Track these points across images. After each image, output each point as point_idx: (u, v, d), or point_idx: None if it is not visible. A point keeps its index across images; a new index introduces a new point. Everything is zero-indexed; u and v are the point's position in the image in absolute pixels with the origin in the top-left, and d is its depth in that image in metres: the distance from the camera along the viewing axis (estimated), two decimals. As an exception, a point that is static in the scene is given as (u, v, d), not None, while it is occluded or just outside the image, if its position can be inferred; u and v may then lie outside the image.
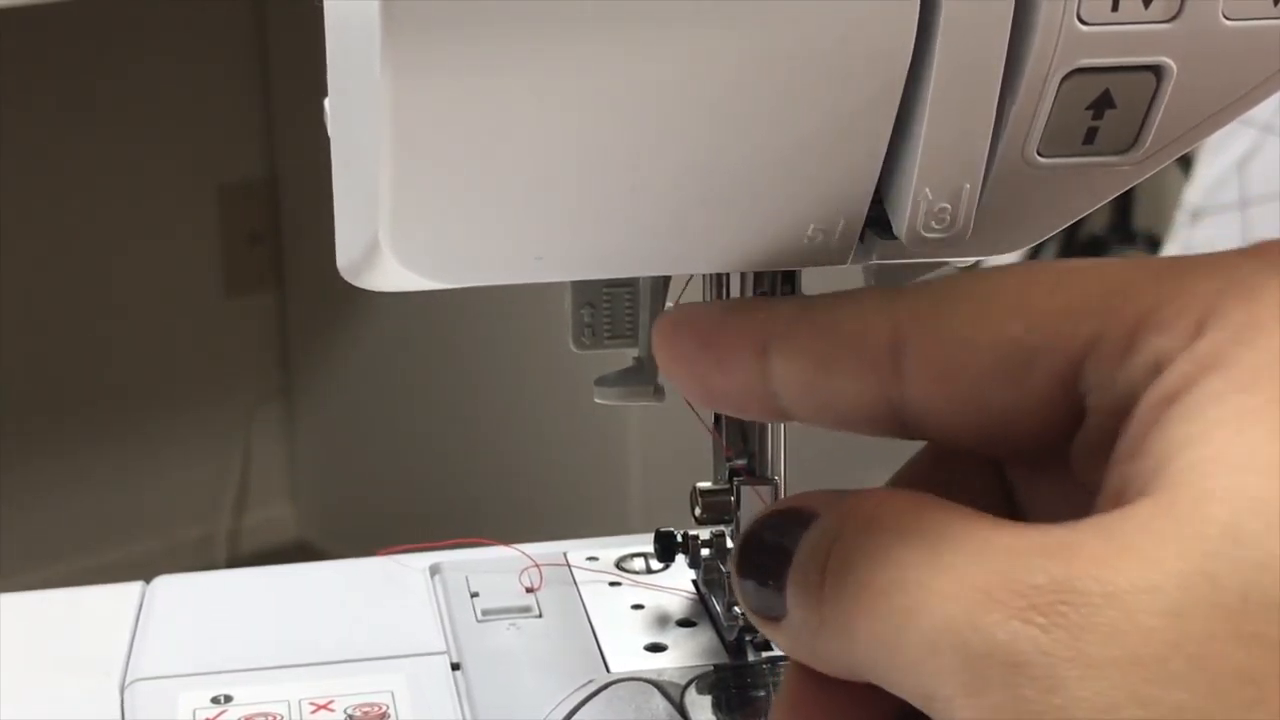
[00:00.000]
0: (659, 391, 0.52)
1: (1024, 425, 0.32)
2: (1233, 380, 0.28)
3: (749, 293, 0.50)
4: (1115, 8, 0.35)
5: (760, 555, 0.33)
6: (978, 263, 0.51)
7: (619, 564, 0.60)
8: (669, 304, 0.51)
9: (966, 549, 0.28)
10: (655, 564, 0.59)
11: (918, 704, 0.28)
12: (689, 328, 0.36)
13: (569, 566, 0.60)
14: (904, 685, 0.28)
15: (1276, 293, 0.29)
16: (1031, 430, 0.32)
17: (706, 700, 0.52)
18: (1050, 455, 0.32)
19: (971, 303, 0.32)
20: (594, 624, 0.56)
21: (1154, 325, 0.29)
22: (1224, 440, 0.27)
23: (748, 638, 0.53)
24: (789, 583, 0.31)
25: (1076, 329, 0.31)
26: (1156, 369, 0.29)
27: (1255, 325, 0.28)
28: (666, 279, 0.50)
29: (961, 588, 0.27)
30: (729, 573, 0.53)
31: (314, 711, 0.52)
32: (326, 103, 0.42)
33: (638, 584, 0.58)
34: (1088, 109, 0.36)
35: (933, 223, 0.37)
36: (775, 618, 0.32)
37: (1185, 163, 1.74)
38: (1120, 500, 0.28)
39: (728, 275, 0.50)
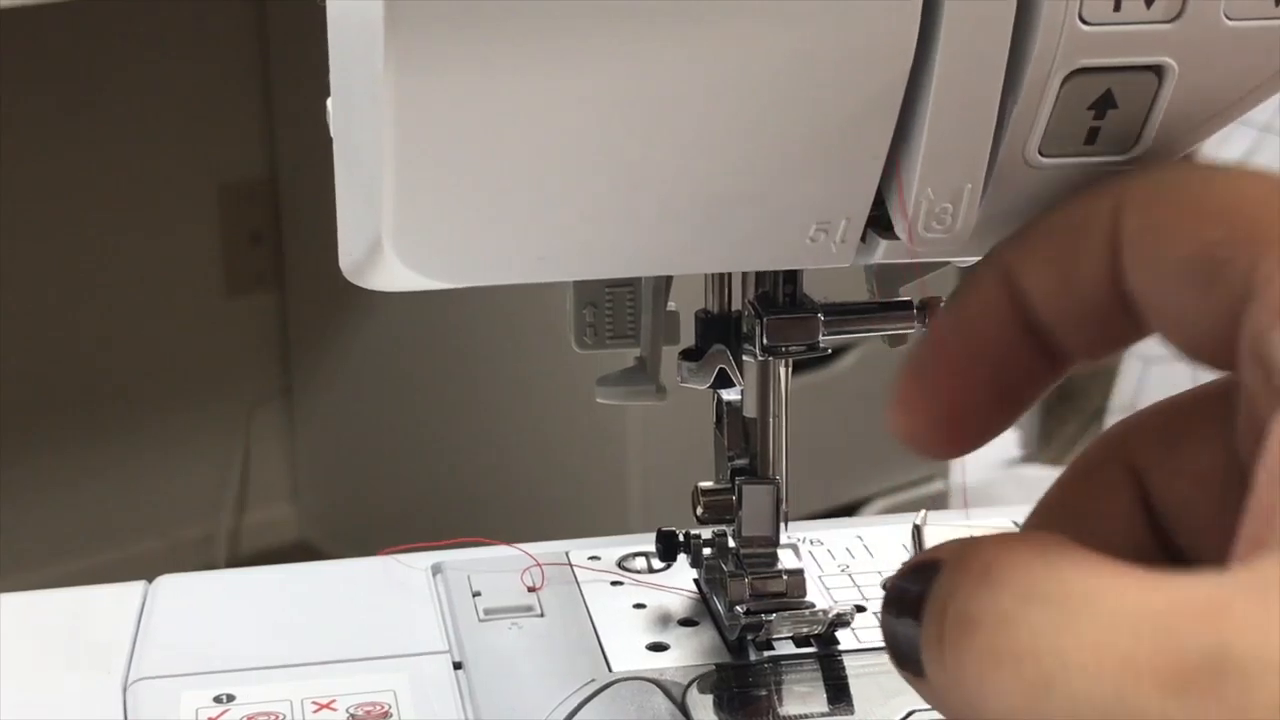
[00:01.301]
0: (660, 391, 0.52)
1: (1214, 339, 0.30)
2: None
3: (750, 293, 0.50)
4: (1117, 8, 0.35)
5: (899, 607, 0.31)
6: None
7: (621, 563, 0.60)
8: (670, 304, 0.51)
9: (1105, 612, 0.26)
10: (657, 563, 0.59)
11: None
12: (933, 339, 0.35)
13: (571, 566, 0.60)
14: None
15: None
16: (1224, 343, 0.30)
17: (708, 699, 0.52)
18: (1199, 449, 0.32)
19: (1187, 184, 0.31)
20: (596, 623, 0.56)
21: None
22: None
23: (749, 637, 0.54)
24: (920, 637, 0.30)
25: (1253, 263, 0.29)
26: None
27: None
28: (668, 279, 0.51)
29: (1104, 660, 0.26)
30: (727, 574, 0.53)
31: (316, 711, 0.52)
32: (328, 102, 0.42)
33: (639, 583, 0.58)
34: (1089, 109, 0.36)
35: (934, 223, 0.37)
36: (917, 672, 0.30)
37: (1185, 162, 1.73)
38: (1267, 527, 0.27)
39: (729, 275, 0.50)
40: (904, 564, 0.32)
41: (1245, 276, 0.29)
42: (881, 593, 0.57)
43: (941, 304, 0.49)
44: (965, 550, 0.30)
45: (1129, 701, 0.25)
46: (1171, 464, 0.33)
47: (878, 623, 0.56)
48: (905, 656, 0.31)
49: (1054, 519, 0.34)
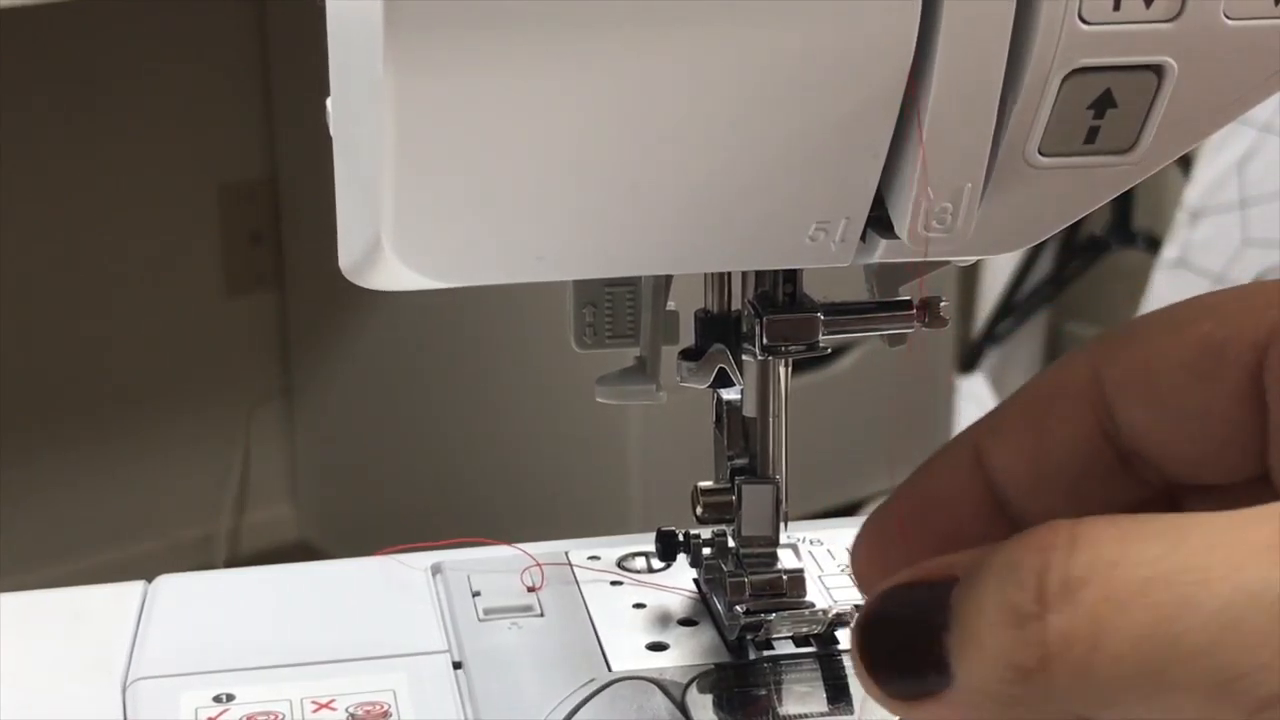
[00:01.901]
0: (660, 390, 0.52)
1: (1227, 433, 0.31)
2: None
3: (750, 292, 0.50)
4: (1116, 7, 0.35)
5: (902, 635, 0.30)
6: (979, 263, 0.51)
7: (620, 563, 0.60)
8: (669, 304, 0.51)
9: (1217, 527, 0.27)
10: (656, 563, 0.59)
11: (1206, 698, 0.26)
12: (890, 506, 0.35)
13: (570, 566, 0.60)
14: (1189, 679, 0.26)
15: None
16: (1236, 438, 0.31)
17: (708, 699, 0.52)
18: (1259, 477, 0.32)
19: (1157, 320, 0.32)
20: (595, 623, 0.56)
21: None
22: None
23: (749, 637, 0.53)
24: (962, 643, 0.29)
25: (1259, 319, 0.30)
26: None
27: None
28: (668, 278, 0.50)
29: (1249, 551, 0.26)
30: (727, 574, 0.53)
31: (316, 710, 0.52)
32: (328, 102, 0.42)
33: (639, 583, 0.58)
34: (1089, 108, 0.36)
35: (934, 222, 0.37)
36: (936, 691, 0.30)
37: (1185, 163, 1.74)
38: None
39: (729, 275, 0.50)
40: (878, 595, 0.32)
41: (1251, 339, 0.30)
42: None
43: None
44: (1018, 540, 0.29)
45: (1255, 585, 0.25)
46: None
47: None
48: (913, 686, 0.30)
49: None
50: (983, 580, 0.29)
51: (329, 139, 0.42)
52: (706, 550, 0.55)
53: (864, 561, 0.36)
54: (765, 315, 0.49)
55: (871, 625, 0.32)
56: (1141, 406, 0.32)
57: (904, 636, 0.30)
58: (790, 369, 0.52)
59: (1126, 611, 0.27)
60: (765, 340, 0.49)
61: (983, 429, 0.34)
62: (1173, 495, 0.34)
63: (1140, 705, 0.27)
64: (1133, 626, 0.27)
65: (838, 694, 0.52)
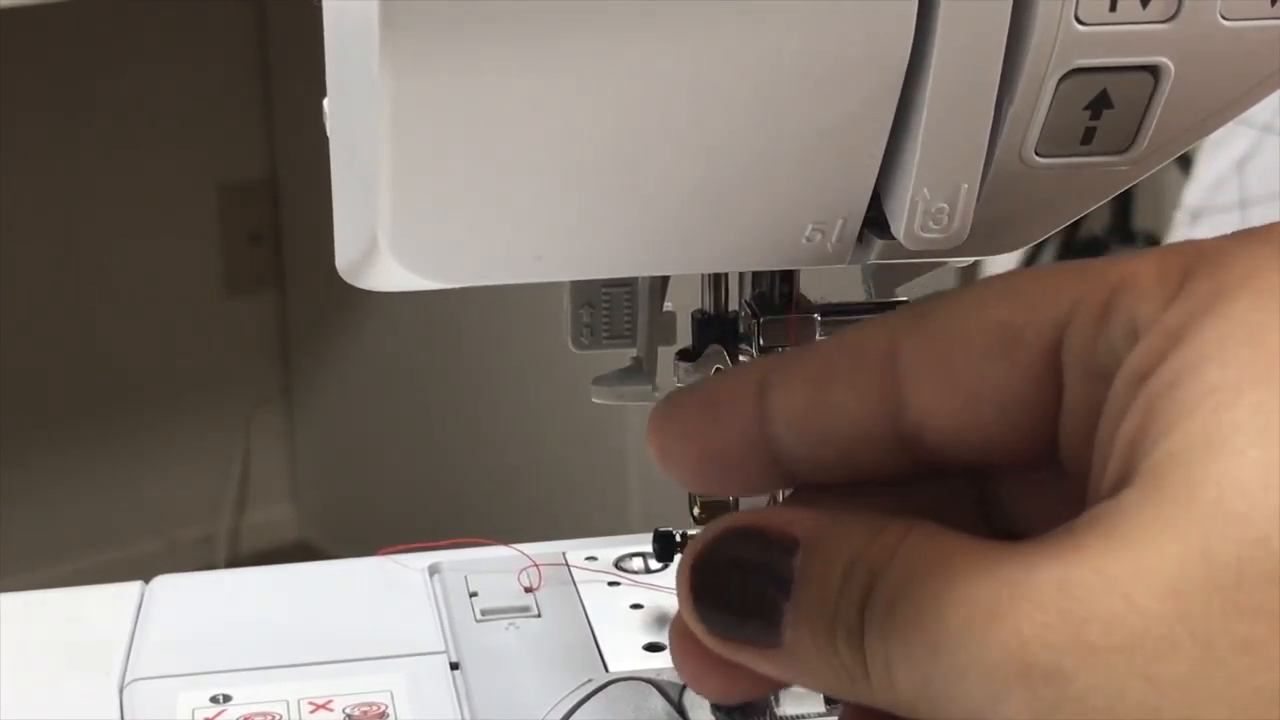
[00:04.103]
0: (657, 391, 0.52)
1: (1018, 416, 0.32)
2: (1205, 355, 0.28)
3: (748, 293, 0.50)
4: (1113, 8, 0.35)
5: (735, 582, 0.32)
6: (976, 263, 0.51)
7: (618, 564, 0.60)
8: (666, 305, 0.51)
9: (981, 575, 0.28)
10: (654, 564, 0.59)
11: None
12: (687, 393, 0.35)
13: (568, 566, 0.60)
14: (953, 715, 0.28)
15: (1246, 260, 0.29)
16: (1026, 422, 0.32)
17: (705, 700, 0.52)
18: (1043, 459, 0.32)
19: (959, 298, 0.32)
20: (593, 623, 0.56)
21: (1129, 290, 0.30)
22: (1204, 422, 0.28)
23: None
24: (798, 617, 0.30)
25: (1058, 300, 0.31)
26: (1133, 336, 0.29)
27: (1222, 293, 0.29)
28: (665, 279, 0.50)
29: (977, 610, 0.28)
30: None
31: (313, 711, 0.52)
32: (326, 103, 0.42)
33: (636, 584, 0.58)
34: (1085, 109, 0.36)
35: (931, 223, 0.37)
36: (761, 644, 0.31)
37: (1184, 163, 1.74)
38: (1107, 488, 0.29)
39: (727, 275, 0.50)
40: (716, 530, 0.32)
41: (1050, 323, 0.31)
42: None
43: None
44: (864, 535, 0.30)
45: (996, 641, 0.27)
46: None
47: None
48: (741, 631, 0.31)
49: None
50: (827, 572, 0.30)
51: (327, 139, 0.42)
52: (704, 551, 0.55)
53: (665, 435, 0.35)
54: (762, 316, 0.49)
55: (705, 562, 0.32)
56: (932, 385, 0.32)
57: (739, 584, 0.31)
58: (788, 369, 0.52)
59: (906, 642, 0.29)
60: (762, 341, 0.49)
61: (772, 365, 0.34)
62: (943, 471, 0.34)
63: None
64: (909, 657, 0.29)
65: (835, 695, 0.52)
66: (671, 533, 0.57)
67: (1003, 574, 0.28)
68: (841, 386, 0.33)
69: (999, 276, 0.32)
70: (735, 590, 0.32)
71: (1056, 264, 0.32)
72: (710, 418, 0.34)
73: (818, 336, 0.49)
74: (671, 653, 0.35)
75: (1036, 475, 0.33)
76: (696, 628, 0.32)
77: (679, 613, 0.33)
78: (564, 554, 0.60)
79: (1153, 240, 1.93)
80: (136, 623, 0.58)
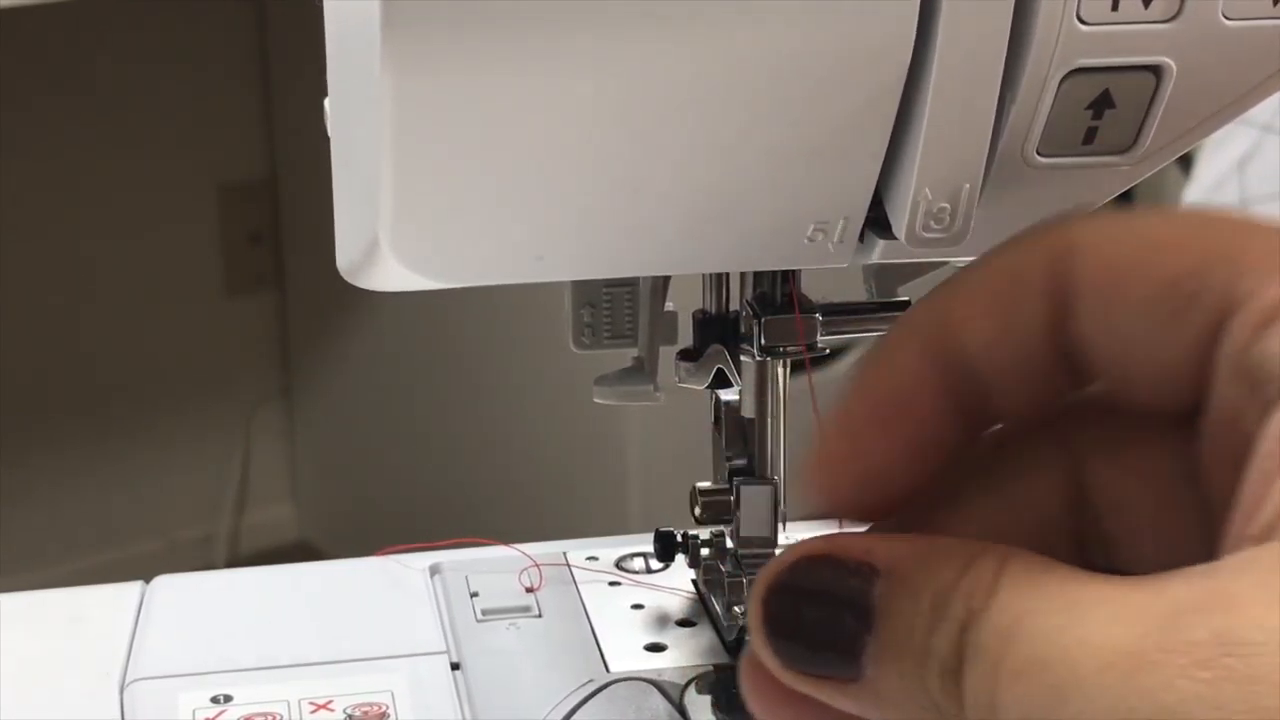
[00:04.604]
0: (658, 391, 0.52)
1: (1173, 373, 0.30)
2: None
3: (749, 291, 0.50)
4: (1115, 7, 0.35)
5: (810, 612, 0.30)
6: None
7: (619, 564, 0.60)
8: (668, 305, 0.51)
9: (1106, 612, 0.27)
10: (655, 564, 0.59)
11: None
12: (854, 398, 0.33)
13: (569, 566, 0.60)
14: None
15: None
16: (1180, 379, 0.30)
17: (706, 700, 0.52)
18: (1157, 449, 0.31)
19: (1136, 231, 0.31)
20: (594, 624, 0.56)
21: None
22: None
23: (747, 637, 0.53)
24: (881, 651, 0.29)
25: (1230, 267, 0.29)
26: None
27: None
28: (666, 279, 0.50)
29: (1116, 655, 0.26)
30: (725, 575, 0.53)
31: (314, 711, 0.52)
32: (326, 103, 0.42)
33: (637, 584, 0.58)
34: (1087, 109, 0.36)
35: (932, 222, 0.37)
36: (840, 678, 0.30)
37: (1185, 163, 1.74)
38: (1259, 529, 0.27)
39: (728, 275, 0.50)
40: (788, 559, 0.31)
41: (1221, 299, 0.29)
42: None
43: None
44: (958, 566, 0.29)
45: (1145, 691, 0.25)
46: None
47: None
48: (818, 664, 0.30)
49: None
50: (914, 604, 0.29)
51: (328, 139, 0.42)
52: (705, 551, 0.55)
53: (830, 473, 0.33)
54: (763, 316, 0.49)
55: (778, 591, 0.31)
56: (1105, 328, 0.30)
57: (815, 614, 0.30)
58: (788, 369, 0.52)
59: (1012, 691, 0.27)
60: (763, 341, 0.49)
61: (936, 313, 0.32)
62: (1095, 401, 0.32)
63: None
64: (1023, 700, 0.27)
65: (836, 695, 0.52)
66: (672, 533, 0.57)
67: (1143, 617, 0.26)
68: (1018, 309, 0.31)
69: (1173, 211, 0.31)
70: (811, 621, 0.30)
71: (1226, 215, 0.30)
72: (889, 412, 0.32)
73: (819, 336, 0.49)
74: (742, 685, 0.33)
75: (1143, 464, 0.32)
76: (769, 660, 0.31)
77: (750, 644, 0.32)
78: (565, 554, 0.60)
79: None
80: (137, 623, 0.58)
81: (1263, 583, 0.25)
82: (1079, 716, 0.26)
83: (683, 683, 0.52)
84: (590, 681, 0.52)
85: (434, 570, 0.60)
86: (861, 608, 0.29)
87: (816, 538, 0.31)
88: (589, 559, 0.60)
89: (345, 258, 0.41)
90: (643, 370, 0.51)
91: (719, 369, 0.50)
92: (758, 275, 0.49)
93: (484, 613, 0.57)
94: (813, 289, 0.50)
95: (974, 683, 0.28)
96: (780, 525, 0.53)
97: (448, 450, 1.89)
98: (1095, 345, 0.31)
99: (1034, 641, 0.27)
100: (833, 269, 0.41)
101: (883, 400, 0.33)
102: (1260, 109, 0.39)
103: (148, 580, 0.60)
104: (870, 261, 0.40)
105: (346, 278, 0.42)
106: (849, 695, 0.30)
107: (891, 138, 0.37)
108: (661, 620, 0.56)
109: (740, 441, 0.53)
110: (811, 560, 0.31)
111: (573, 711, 0.51)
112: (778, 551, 0.53)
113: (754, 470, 0.53)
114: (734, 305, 0.50)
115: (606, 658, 0.54)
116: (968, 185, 0.37)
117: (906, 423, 0.32)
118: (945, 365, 0.32)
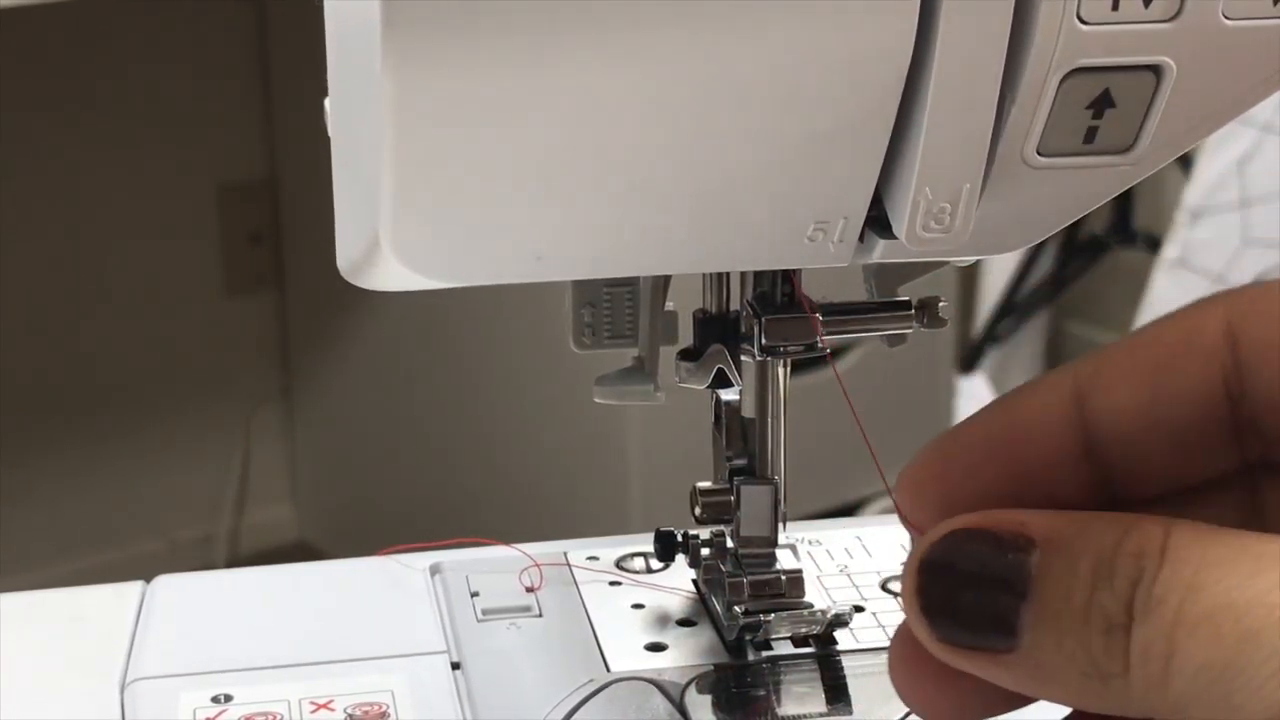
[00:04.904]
0: (658, 391, 0.52)
1: None
2: None
3: (749, 292, 0.50)
4: (1115, 7, 0.35)
5: (965, 585, 0.30)
6: (978, 263, 0.51)
7: (619, 563, 0.60)
8: (668, 304, 0.51)
9: None
10: (655, 564, 0.59)
11: None
12: (965, 431, 0.33)
13: (569, 566, 0.60)
14: (1248, 708, 0.27)
15: None
16: None
17: (706, 700, 0.52)
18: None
19: None
20: (594, 623, 0.56)
21: None
22: None
23: (747, 637, 0.53)
24: (1040, 617, 0.29)
25: None
26: None
27: None
28: (666, 278, 0.50)
29: None
30: (726, 575, 0.53)
31: (314, 711, 0.52)
32: (326, 102, 0.42)
33: (638, 583, 0.58)
34: (1087, 108, 0.36)
35: (932, 222, 0.37)
36: (995, 649, 0.30)
37: (1185, 163, 1.74)
38: None
39: (728, 274, 0.50)
40: (939, 535, 0.31)
41: None
42: (880, 593, 0.57)
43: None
44: (1128, 533, 0.29)
45: None
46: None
47: (877, 623, 0.56)
48: (975, 637, 0.30)
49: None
50: (1072, 569, 0.29)
51: (328, 139, 0.42)
52: (705, 551, 0.55)
53: (924, 479, 0.34)
54: (764, 315, 0.49)
55: (931, 568, 0.31)
56: (1274, 374, 0.30)
57: (971, 589, 0.30)
58: (789, 369, 0.52)
59: (1196, 638, 0.27)
60: (764, 340, 0.49)
61: (1087, 369, 0.32)
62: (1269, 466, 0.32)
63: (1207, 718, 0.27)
64: (1200, 653, 0.27)
65: (836, 694, 0.52)
66: (673, 532, 0.57)
67: None
68: (1177, 374, 0.31)
69: None
70: (966, 594, 0.30)
71: None
72: (1015, 439, 0.32)
73: (819, 336, 0.49)
74: (890, 665, 0.33)
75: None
76: (923, 634, 0.31)
77: (902, 623, 0.32)
78: (565, 554, 0.60)
79: (1153, 240, 1.93)
80: (137, 623, 0.58)
81: None
82: (1269, 661, 0.26)
83: (683, 683, 0.52)
84: (590, 681, 0.52)
85: (434, 570, 0.60)
86: (1017, 578, 0.30)
87: (968, 514, 0.31)
88: (589, 559, 0.60)
89: (345, 257, 0.41)
90: (643, 370, 0.51)
91: (719, 369, 0.50)
92: (758, 275, 0.49)
93: (484, 612, 0.57)
94: (813, 289, 0.50)
95: (1147, 634, 0.28)
96: (780, 525, 0.53)
97: (448, 450, 1.89)
98: (1266, 403, 0.31)
99: (1217, 590, 0.27)
100: (833, 268, 0.40)
101: (1016, 426, 0.33)
102: (1260, 109, 0.39)
103: (148, 580, 0.60)
104: (870, 261, 0.40)
105: (347, 278, 0.42)
106: (1004, 666, 0.30)
107: (892, 138, 0.37)
108: (662, 620, 0.56)
109: (740, 441, 0.53)
110: (966, 534, 0.31)
111: (573, 711, 0.51)
112: (777, 551, 0.53)
113: (754, 470, 0.53)
114: (734, 305, 0.50)
115: (607, 657, 0.54)
116: (968, 185, 0.37)
117: (1028, 458, 0.33)
118: (1085, 420, 0.32)
